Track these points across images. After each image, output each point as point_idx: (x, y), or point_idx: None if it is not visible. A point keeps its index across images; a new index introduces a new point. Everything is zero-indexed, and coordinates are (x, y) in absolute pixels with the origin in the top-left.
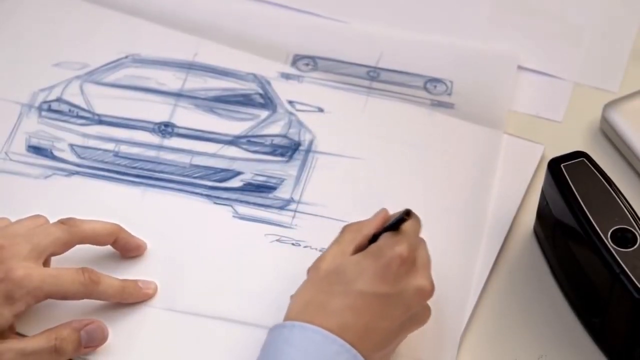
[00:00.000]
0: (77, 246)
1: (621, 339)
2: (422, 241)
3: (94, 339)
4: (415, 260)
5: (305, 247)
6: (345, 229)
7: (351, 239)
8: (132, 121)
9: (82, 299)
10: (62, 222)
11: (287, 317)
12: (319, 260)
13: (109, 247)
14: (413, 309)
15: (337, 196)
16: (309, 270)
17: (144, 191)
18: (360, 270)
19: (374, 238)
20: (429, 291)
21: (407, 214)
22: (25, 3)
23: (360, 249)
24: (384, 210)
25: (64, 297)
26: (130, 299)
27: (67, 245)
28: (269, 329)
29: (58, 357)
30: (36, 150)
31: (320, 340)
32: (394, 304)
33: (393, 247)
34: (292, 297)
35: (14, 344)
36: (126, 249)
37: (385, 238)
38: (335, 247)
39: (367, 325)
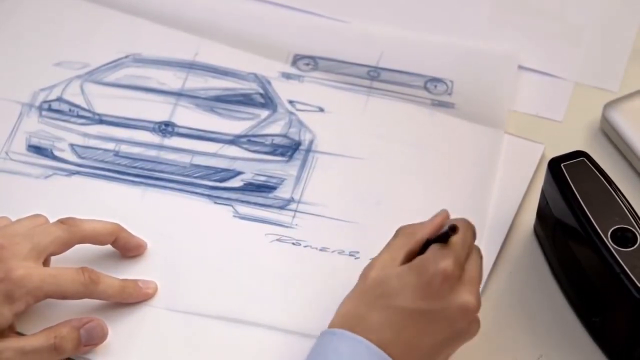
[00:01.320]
0: (77, 246)
1: (621, 338)
2: (476, 254)
3: (94, 337)
4: (461, 275)
5: (305, 246)
6: (398, 232)
7: (402, 244)
8: (133, 121)
9: (82, 298)
10: (62, 221)
11: (332, 324)
12: (369, 266)
13: (109, 246)
14: (457, 325)
15: (338, 196)
16: (360, 277)
17: (144, 191)
18: (402, 284)
19: (427, 243)
20: (473, 308)
21: (452, 229)
22: (25, 3)
23: (412, 254)
24: (444, 212)
25: (64, 296)
26: (130, 298)
27: (67, 244)
28: (320, 333)
29: (58, 355)
30: (36, 149)
31: (365, 353)
32: (436, 321)
33: (438, 262)
34: (342, 301)
35: (13, 343)
36: (126, 248)
37: (431, 250)
38: (386, 253)
39: (409, 341)
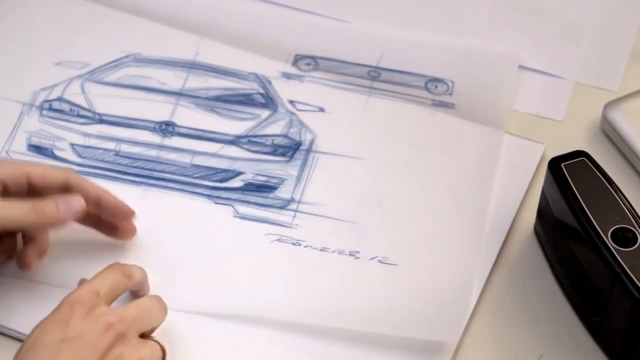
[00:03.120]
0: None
1: (621, 338)
2: None
3: (70, 204)
4: None
5: (305, 246)
6: None
7: None
8: (133, 120)
9: (34, 226)
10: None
11: None
12: None
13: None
14: None
15: (338, 196)
16: None
17: (145, 191)
18: None
19: None
20: None
21: None
22: (25, 3)
23: None
24: None
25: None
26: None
27: (17, 177)
28: None
29: (36, 216)
30: (37, 149)
31: None
32: None
33: None
34: None
35: None
36: (113, 214)
37: None
38: None
39: None
